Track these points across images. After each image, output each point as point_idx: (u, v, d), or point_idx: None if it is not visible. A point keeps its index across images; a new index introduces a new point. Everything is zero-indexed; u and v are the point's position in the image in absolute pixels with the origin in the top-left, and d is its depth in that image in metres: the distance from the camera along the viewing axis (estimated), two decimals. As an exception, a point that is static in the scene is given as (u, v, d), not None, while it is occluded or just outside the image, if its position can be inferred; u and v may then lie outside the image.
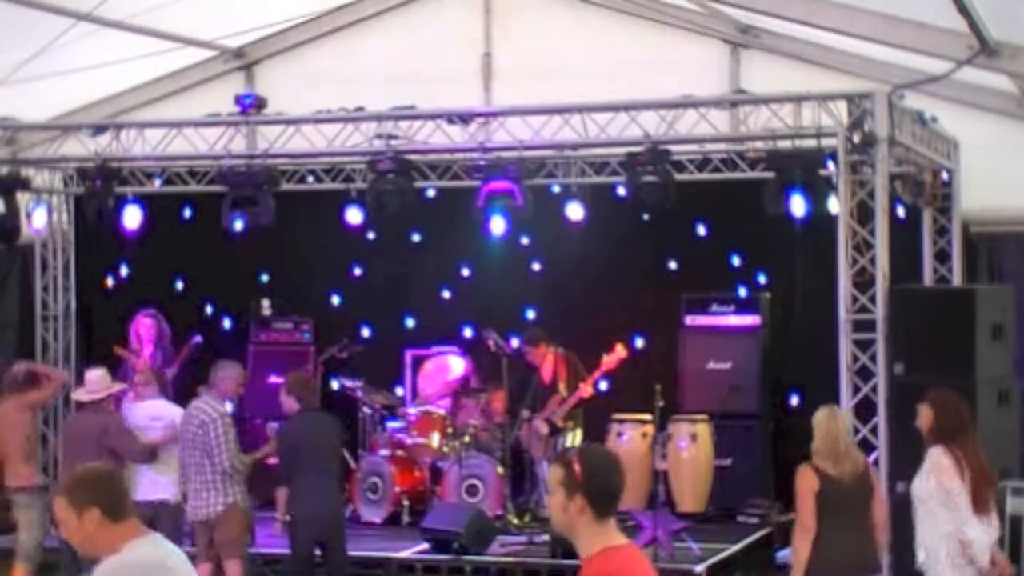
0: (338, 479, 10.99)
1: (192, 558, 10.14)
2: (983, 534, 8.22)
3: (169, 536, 5.29)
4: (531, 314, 14.27)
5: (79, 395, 11.02)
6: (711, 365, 13.79)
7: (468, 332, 14.49)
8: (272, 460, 10.86)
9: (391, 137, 11.92)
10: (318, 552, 10.43)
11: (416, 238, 14.76)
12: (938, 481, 8.20)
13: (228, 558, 10.14)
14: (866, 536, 8.31)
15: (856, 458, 8.46)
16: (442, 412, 13.55)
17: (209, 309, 15.25)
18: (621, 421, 13.53)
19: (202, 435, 10.06)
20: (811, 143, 10.85)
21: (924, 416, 8.44)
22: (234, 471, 10.08)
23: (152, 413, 10.87)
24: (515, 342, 13.50)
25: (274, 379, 13.35)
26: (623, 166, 11.70)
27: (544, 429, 13.06)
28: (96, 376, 10.90)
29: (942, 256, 12.73)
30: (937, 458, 8.27)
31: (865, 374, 10.74)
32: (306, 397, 10.41)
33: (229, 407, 10.64)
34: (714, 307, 13.92)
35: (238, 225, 11.93)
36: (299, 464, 10.10)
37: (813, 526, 8.14)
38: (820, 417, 8.35)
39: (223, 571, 10.19)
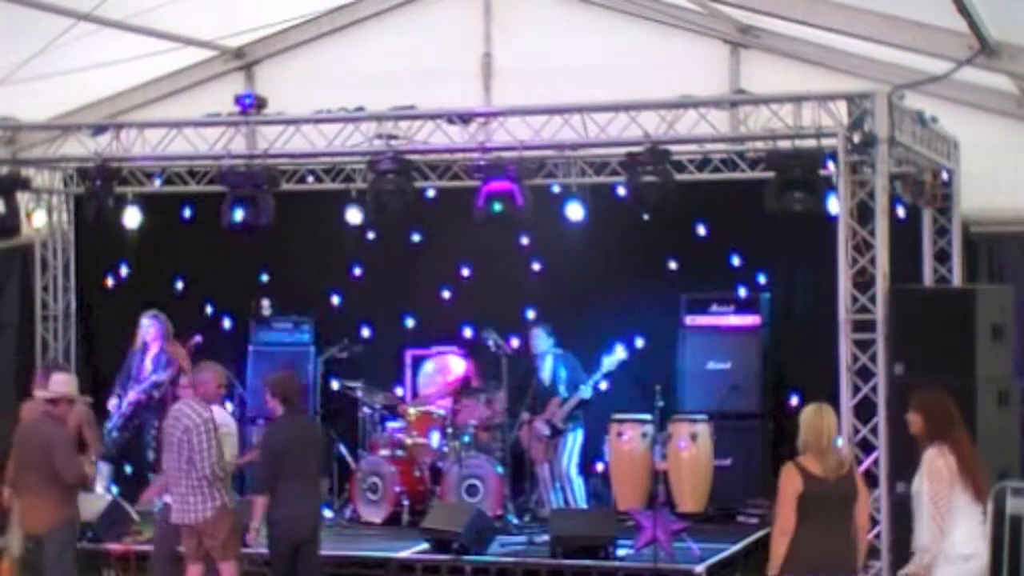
0: (319, 482, 10.74)
1: (179, 560, 10.24)
2: (966, 531, 8.28)
3: None
4: (531, 314, 14.25)
5: (40, 392, 10.33)
6: (711, 365, 13.78)
7: (468, 332, 14.47)
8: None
9: (391, 137, 11.92)
10: None
11: (416, 238, 14.74)
12: (929, 485, 8.26)
13: (223, 560, 9.99)
14: (845, 537, 8.29)
15: (841, 457, 8.48)
16: (442, 412, 13.55)
17: (209, 309, 15.22)
18: (621, 421, 13.51)
19: (187, 440, 9.86)
20: (811, 143, 10.85)
21: (914, 422, 8.50)
22: (215, 477, 9.91)
23: (219, 419, 10.21)
24: (515, 342, 13.52)
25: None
26: (623, 166, 11.69)
27: (545, 431, 13.09)
28: (62, 379, 10.29)
29: (942, 256, 12.71)
30: (931, 461, 8.32)
31: (865, 374, 10.74)
32: (291, 398, 10.11)
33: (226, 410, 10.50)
34: (714, 307, 13.91)
35: (239, 215, 11.89)
36: (283, 470, 9.84)
37: (791, 529, 8.17)
38: (806, 412, 8.41)
39: (215, 572, 10.05)
